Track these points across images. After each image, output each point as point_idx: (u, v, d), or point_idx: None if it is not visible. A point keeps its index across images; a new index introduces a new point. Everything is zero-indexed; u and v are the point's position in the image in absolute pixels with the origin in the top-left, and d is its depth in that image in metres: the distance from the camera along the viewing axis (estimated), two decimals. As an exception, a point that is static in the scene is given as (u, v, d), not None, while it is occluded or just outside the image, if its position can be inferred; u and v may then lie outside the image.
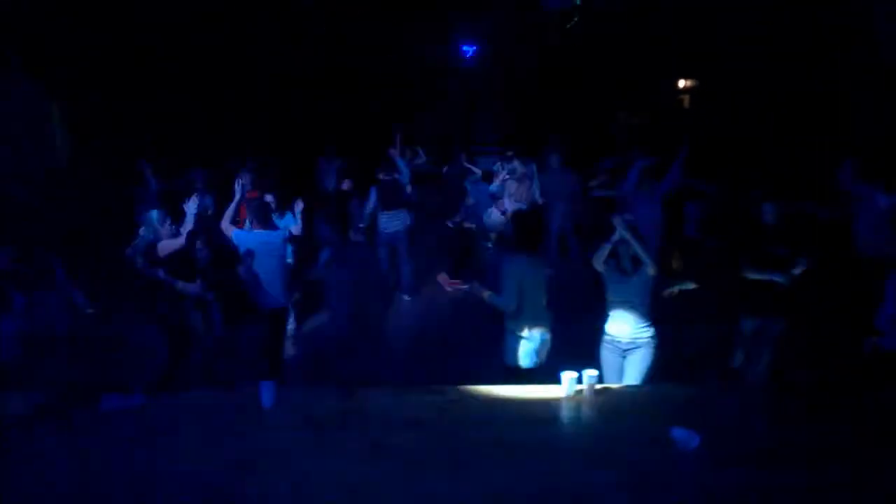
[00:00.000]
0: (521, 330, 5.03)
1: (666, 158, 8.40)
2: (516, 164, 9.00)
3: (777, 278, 5.41)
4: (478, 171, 10.56)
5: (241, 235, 6.10)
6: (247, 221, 6.38)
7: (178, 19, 11.15)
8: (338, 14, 14.22)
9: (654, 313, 4.94)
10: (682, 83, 16.08)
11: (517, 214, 5.39)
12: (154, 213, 5.90)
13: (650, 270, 4.83)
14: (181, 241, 5.72)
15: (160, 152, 9.22)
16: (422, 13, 14.85)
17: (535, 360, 5.08)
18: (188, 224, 5.72)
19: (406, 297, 8.86)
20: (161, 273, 5.52)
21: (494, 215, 8.10)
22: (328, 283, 5.85)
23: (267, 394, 4.18)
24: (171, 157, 9.32)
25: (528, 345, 5.06)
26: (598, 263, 4.95)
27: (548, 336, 5.12)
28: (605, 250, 4.92)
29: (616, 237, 4.91)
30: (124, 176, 8.84)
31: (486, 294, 5.02)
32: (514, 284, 4.92)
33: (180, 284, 5.56)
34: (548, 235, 9.68)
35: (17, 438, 3.93)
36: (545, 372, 4.90)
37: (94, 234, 8.50)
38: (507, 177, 8.63)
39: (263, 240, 6.02)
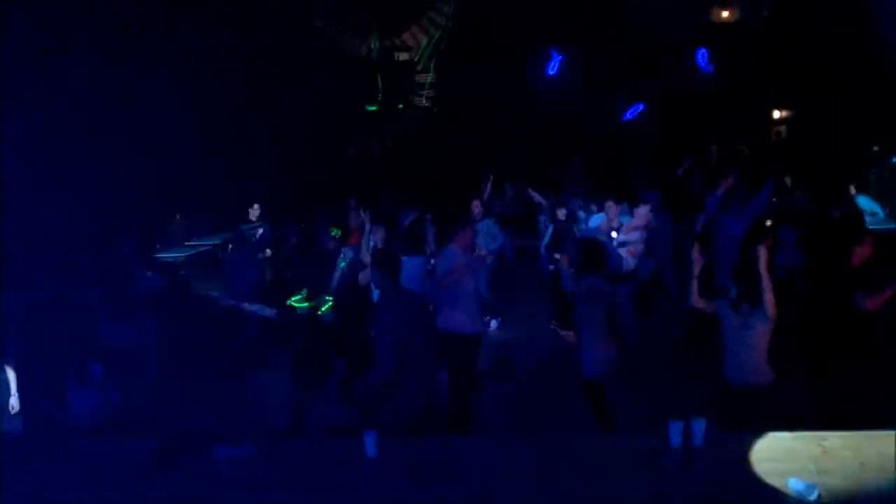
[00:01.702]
0: (594, 343, 5.31)
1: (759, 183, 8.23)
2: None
3: None
4: (543, 201, 10.70)
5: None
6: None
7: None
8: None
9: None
10: (777, 114, 15.75)
11: (582, 241, 5.65)
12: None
13: (767, 310, 4.70)
14: None
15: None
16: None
17: (608, 372, 5.31)
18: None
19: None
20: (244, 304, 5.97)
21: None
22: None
23: (371, 443, 4.23)
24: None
25: (601, 357, 5.28)
26: (704, 303, 4.89)
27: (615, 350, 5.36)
28: (693, 284, 4.94)
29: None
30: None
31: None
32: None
33: (255, 307, 5.92)
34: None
35: (129, 485, 4.09)
36: (652, 421, 4.77)
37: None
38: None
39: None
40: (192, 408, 6.49)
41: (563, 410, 6.38)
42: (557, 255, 8.84)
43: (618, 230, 8.81)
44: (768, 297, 4.72)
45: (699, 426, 4.14)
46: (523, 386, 7.42)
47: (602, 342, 5.33)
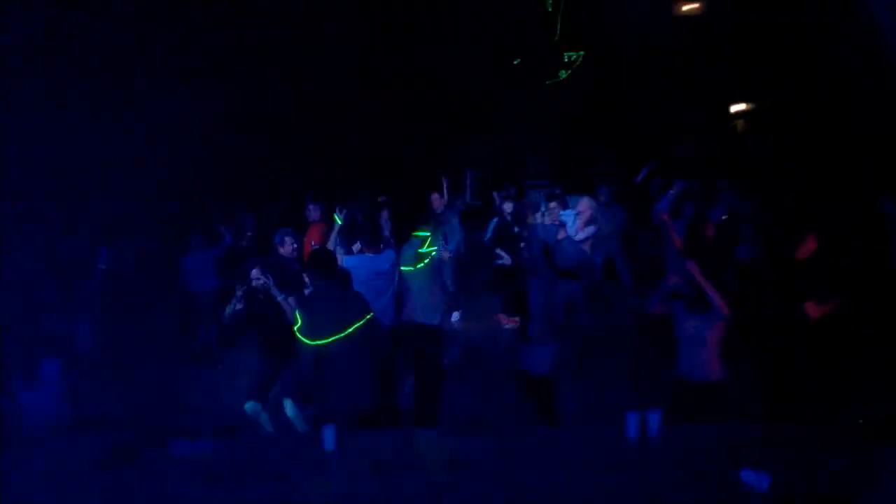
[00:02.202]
0: (537, 337, 5.47)
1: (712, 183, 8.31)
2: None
3: None
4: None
5: (352, 260, 6.29)
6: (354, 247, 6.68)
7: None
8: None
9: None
10: (735, 108, 15.84)
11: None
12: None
13: (719, 310, 4.80)
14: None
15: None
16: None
17: (550, 366, 5.32)
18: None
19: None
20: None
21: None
22: None
23: (329, 437, 4.22)
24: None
25: (544, 350, 5.36)
26: (661, 303, 4.97)
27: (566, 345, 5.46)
28: (664, 293, 4.99)
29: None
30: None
31: None
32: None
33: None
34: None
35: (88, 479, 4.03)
36: (608, 413, 4.83)
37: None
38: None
39: (371, 265, 6.17)
40: (148, 404, 6.39)
41: (520, 403, 6.43)
42: (499, 251, 8.80)
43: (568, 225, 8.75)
44: (717, 302, 4.85)
45: (655, 418, 4.22)
46: (480, 379, 7.42)
47: (553, 338, 5.38)
